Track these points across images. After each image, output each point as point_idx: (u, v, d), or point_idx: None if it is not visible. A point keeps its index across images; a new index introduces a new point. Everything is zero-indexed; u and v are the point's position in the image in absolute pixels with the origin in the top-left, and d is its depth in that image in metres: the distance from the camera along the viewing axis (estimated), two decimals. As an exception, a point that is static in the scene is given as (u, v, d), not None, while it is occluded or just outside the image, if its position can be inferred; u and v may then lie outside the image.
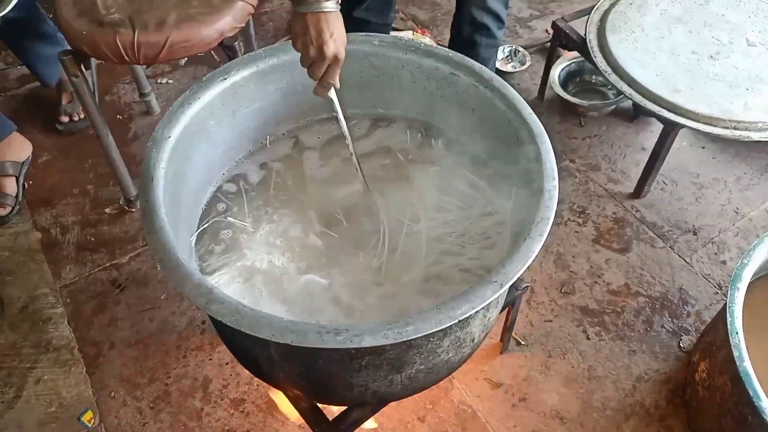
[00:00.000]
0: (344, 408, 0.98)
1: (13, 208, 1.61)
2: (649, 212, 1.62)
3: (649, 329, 1.39)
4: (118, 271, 1.50)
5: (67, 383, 1.31)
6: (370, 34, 1.07)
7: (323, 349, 0.70)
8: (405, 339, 0.70)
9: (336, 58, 0.87)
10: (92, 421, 1.25)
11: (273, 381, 0.95)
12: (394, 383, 0.88)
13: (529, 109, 0.96)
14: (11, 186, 1.63)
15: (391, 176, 1.08)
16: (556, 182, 0.87)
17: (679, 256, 1.52)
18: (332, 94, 0.94)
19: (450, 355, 0.89)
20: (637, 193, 1.65)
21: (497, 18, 1.53)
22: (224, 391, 1.29)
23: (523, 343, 1.36)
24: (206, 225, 1.02)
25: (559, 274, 1.49)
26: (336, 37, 0.86)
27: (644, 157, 1.62)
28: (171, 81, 1.99)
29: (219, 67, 1.03)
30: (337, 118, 0.97)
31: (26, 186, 1.68)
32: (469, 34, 1.54)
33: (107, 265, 1.52)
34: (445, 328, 0.74)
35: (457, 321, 0.72)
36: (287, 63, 1.06)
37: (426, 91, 1.09)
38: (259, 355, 0.89)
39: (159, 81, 1.98)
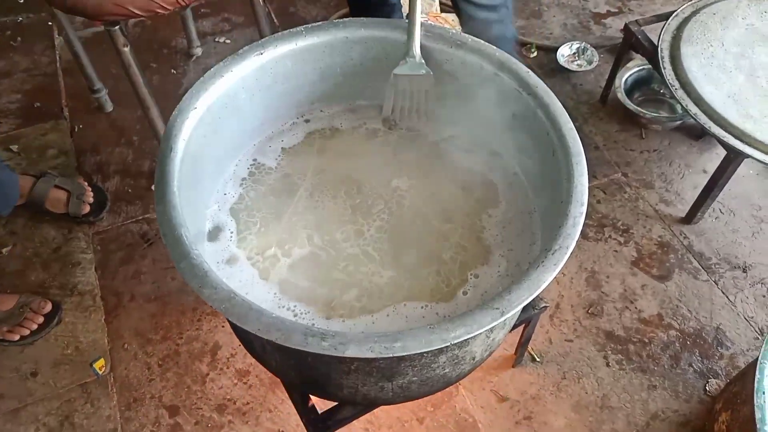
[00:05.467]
0: (335, 403, 0.97)
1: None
2: (698, 241, 1.52)
3: (675, 366, 1.31)
4: (149, 226, 1.53)
5: (86, 329, 1.35)
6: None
7: (309, 350, 0.69)
8: (391, 355, 0.68)
9: None
10: (103, 369, 1.29)
11: (266, 365, 0.94)
12: (385, 390, 0.86)
13: (570, 125, 0.89)
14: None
15: (420, 169, 1.04)
16: (583, 208, 0.81)
17: (723, 292, 1.43)
18: None
19: (446, 370, 0.86)
20: (689, 218, 1.55)
21: None
22: (231, 360, 1.30)
23: (538, 359, 1.31)
24: (231, 194, 1.01)
25: (589, 293, 1.42)
26: None
27: (703, 181, 1.51)
28: (228, 41, 1.99)
29: (259, 40, 1.01)
30: None
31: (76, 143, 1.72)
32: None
33: (140, 218, 1.55)
34: (441, 347, 0.71)
35: (449, 344, 0.69)
36: (327, 43, 1.02)
37: (468, 89, 1.04)
38: (255, 339, 0.88)
39: (216, 40, 1.99)
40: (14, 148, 1.69)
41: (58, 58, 1.95)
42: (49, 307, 1.34)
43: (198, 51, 1.94)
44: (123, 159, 1.67)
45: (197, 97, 0.94)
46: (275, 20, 2.06)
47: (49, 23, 2.04)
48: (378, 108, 1.11)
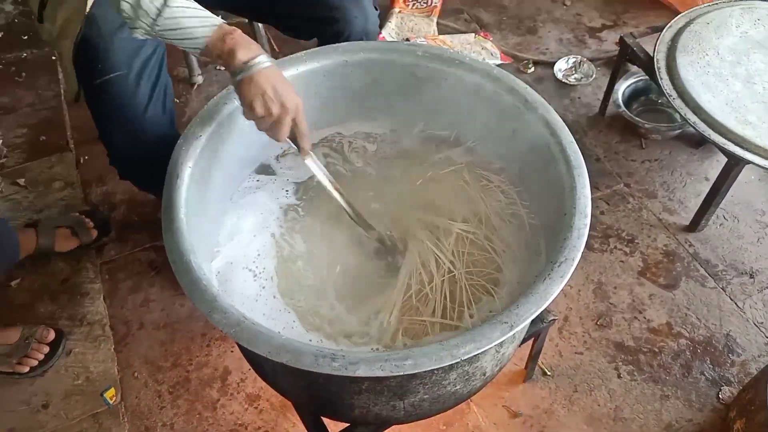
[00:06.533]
0: (347, 424, 0.97)
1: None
2: (704, 248, 1.52)
3: (686, 374, 1.30)
4: (157, 254, 1.53)
5: (96, 358, 1.35)
6: (414, 43, 1.05)
7: (319, 371, 0.69)
8: (402, 373, 0.68)
9: (297, 107, 0.87)
10: (114, 398, 1.29)
11: (277, 388, 0.94)
12: (396, 409, 0.86)
13: (570, 138, 0.91)
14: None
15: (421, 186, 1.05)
16: (587, 220, 0.82)
17: (731, 299, 1.42)
18: (310, 162, 0.93)
19: (458, 387, 0.86)
20: (693, 226, 1.55)
21: None
22: (241, 384, 1.30)
23: (549, 373, 1.30)
24: (237, 216, 1.03)
25: (597, 304, 1.42)
26: (288, 87, 0.86)
27: (706, 188, 1.51)
28: (229, 68, 2.01)
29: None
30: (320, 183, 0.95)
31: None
32: None
33: (147, 246, 1.55)
34: (452, 363, 0.72)
35: (459, 360, 0.69)
36: (327, 68, 1.04)
37: (467, 106, 1.05)
38: (265, 362, 0.88)
39: (217, 68, 2.01)
40: (21, 181, 1.71)
41: (62, 91, 1.98)
42: (52, 335, 1.35)
43: (199, 79, 1.97)
44: (129, 188, 1.67)
45: (201, 126, 0.96)
46: (275, 47, 2.09)
47: (53, 58, 2.07)
48: (383, 129, 1.12)
